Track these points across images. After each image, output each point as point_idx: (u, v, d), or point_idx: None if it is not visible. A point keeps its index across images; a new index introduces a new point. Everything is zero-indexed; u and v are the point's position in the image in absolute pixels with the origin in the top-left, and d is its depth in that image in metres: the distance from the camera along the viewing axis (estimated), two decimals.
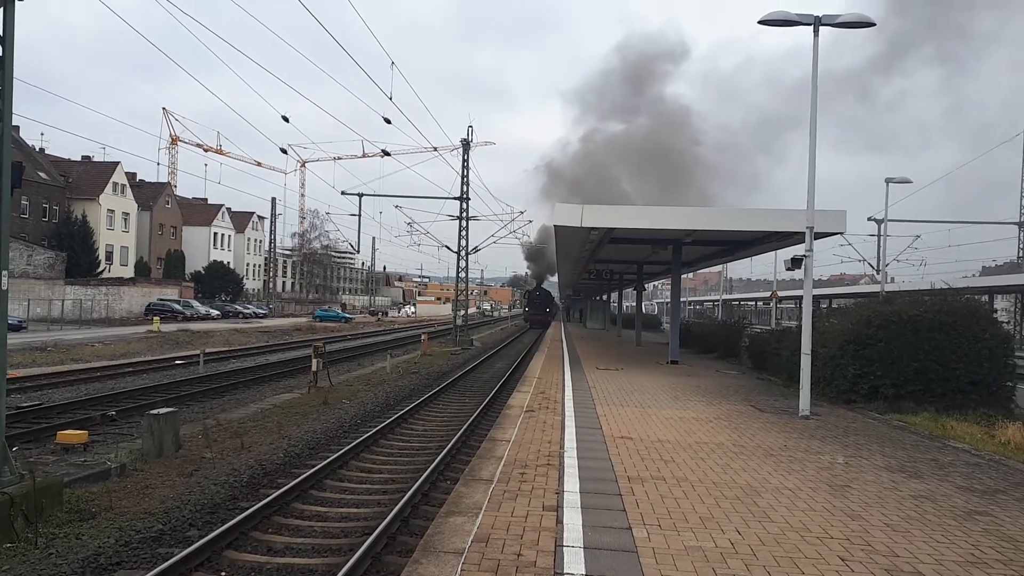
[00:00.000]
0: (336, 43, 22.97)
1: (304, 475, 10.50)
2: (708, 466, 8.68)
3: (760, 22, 13.53)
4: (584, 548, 5.64)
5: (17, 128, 63.92)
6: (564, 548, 5.63)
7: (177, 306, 60.21)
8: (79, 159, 73.36)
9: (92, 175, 69.38)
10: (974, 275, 69.28)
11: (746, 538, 6.03)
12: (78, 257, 60.26)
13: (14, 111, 8.41)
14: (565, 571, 5.16)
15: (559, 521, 6.31)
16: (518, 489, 7.37)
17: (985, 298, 38.56)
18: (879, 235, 38.85)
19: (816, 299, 14.65)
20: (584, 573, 5.13)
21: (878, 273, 40.97)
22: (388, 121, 35.60)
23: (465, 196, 42.83)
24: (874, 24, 13.25)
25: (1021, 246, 53.36)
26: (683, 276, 33.82)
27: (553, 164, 75.08)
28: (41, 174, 62.70)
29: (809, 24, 13.44)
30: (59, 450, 11.56)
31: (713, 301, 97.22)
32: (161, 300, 61.16)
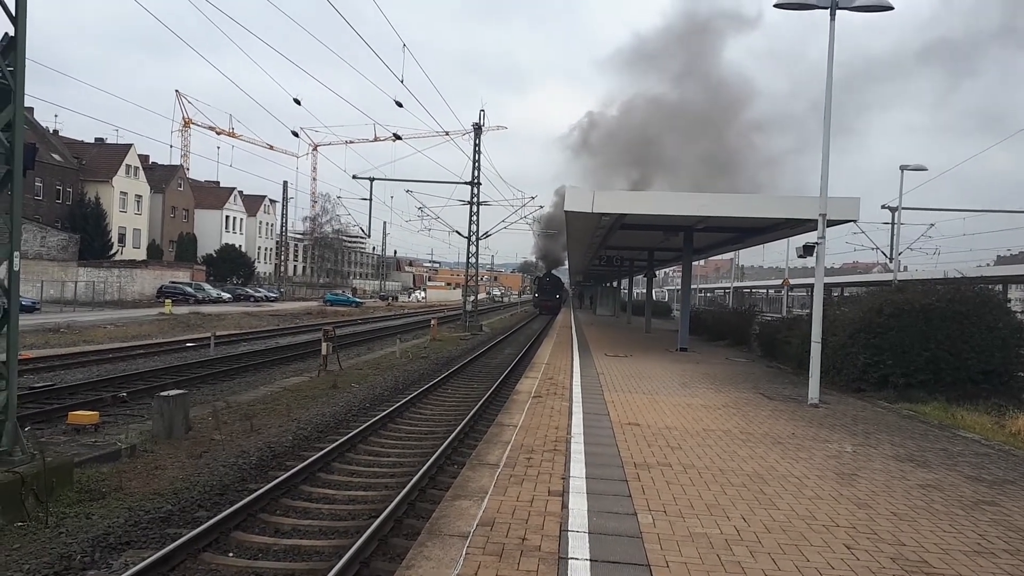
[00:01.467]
0: (348, 25, 22.88)
1: (313, 457, 10.56)
2: (715, 453, 8.67)
3: (776, 6, 13.37)
4: (589, 533, 5.64)
5: (31, 110, 64.17)
6: (569, 533, 5.64)
7: (189, 289, 60.58)
8: (92, 141, 73.70)
9: (105, 157, 69.70)
10: (989, 264, 68.73)
11: (751, 525, 6.02)
12: (91, 239, 60.66)
13: (27, 92, 8.43)
14: (570, 556, 5.17)
15: (564, 506, 6.32)
16: (524, 474, 7.38)
17: (999, 288, 38.29)
18: (893, 223, 38.53)
19: (828, 287, 14.56)
20: (589, 558, 5.14)
21: (891, 262, 40.69)
22: (400, 104, 35.42)
23: (476, 181, 42.74)
24: (892, 8, 13.05)
25: None
26: (694, 263, 33.69)
27: (593, 116, 74.43)
28: (55, 156, 63.03)
29: (826, 8, 13.26)
30: (70, 430, 11.68)
31: (724, 288, 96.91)
32: (173, 283, 61.55)
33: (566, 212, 20.23)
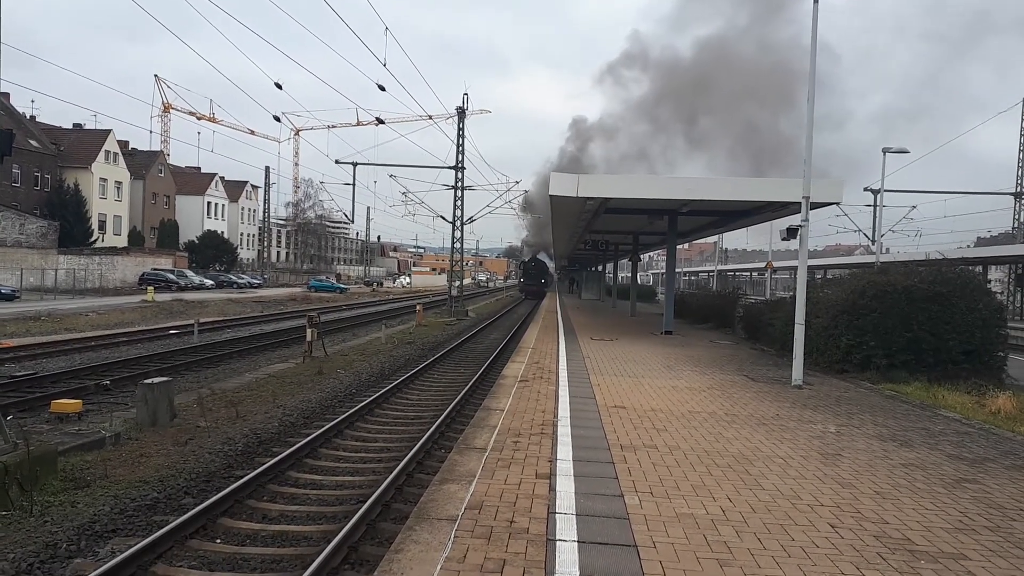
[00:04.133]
0: (330, 7, 22.64)
1: (299, 444, 10.54)
2: (700, 435, 8.73)
3: None
4: (576, 515, 5.68)
5: (7, 95, 63.19)
6: (556, 515, 5.67)
7: (171, 276, 60.07)
8: (70, 127, 72.69)
9: (84, 143, 68.77)
10: (969, 246, 69.41)
11: (737, 505, 6.07)
12: (71, 226, 59.97)
13: (2, 77, 8.29)
14: (558, 537, 5.20)
15: (552, 489, 6.34)
16: (511, 457, 7.41)
17: (979, 269, 38.72)
18: (875, 205, 38.83)
19: (811, 269, 14.65)
20: (576, 539, 5.17)
21: (873, 243, 41.02)
22: (383, 88, 35.19)
23: (460, 165, 42.58)
24: None
25: (1016, 217, 53.43)
26: (678, 247, 33.76)
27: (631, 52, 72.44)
28: (32, 142, 62.11)
29: None
30: (53, 419, 11.59)
31: (708, 271, 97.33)
32: (155, 270, 61.02)
33: (551, 196, 20.22)
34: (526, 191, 67.56)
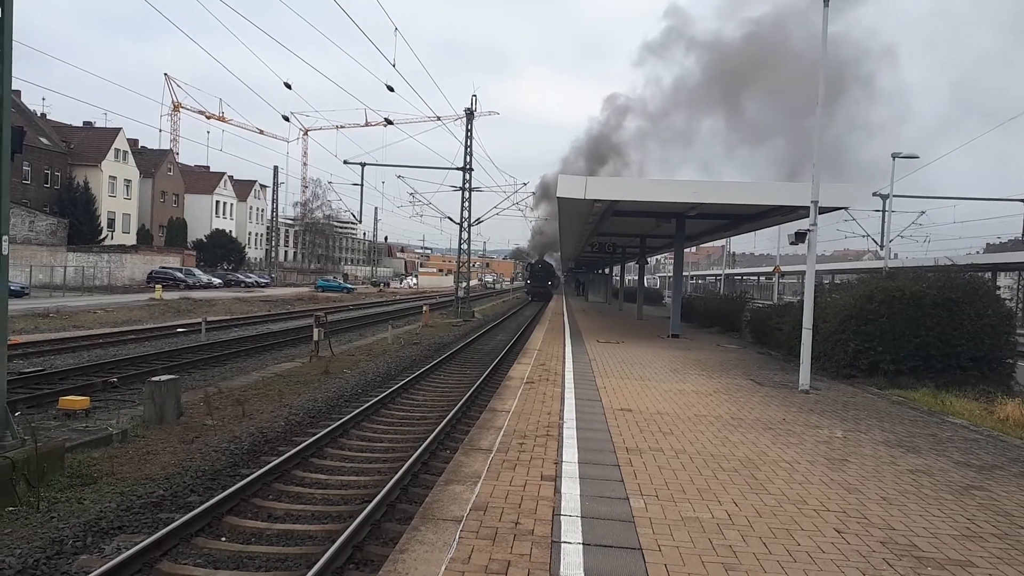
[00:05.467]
0: (339, 8, 22.67)
1: (305, 443, 10.56)
2: (706, 438, 8.71)
3: None
4: (581, 517, 5.67)
5: (18, 93, 63.51)
6: (561, 517, 5.66)
7: (179, 274, 60.31)
8: (80, 125, 73.07)
9: (94, 141, 69.12)
10: (978, 252, 69.10)
11: (743, 509, 6.06)
12: (80, 224, 60.29)
13: (14, 74, 8.33)
14: (562, 540, 5.19)
15: (557, 491, 6.34)
16: (517, 459, 7.40)
17: (988, 275, 38.52)
18: (884, 210, 38.70)
19: (819, 274, 14.63)
20: (581, 542, 5.16)
21: (881, 249, 40.87)
22: (391, 89, 35.23)
23: (468, 167, 42.63)
24: None
25: None
26: (686, 250, 33.72)
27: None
28: (43, 140, 62.47)
29: None
30: (61, 416, 11.63)
31: (715, 275, 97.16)
32: (163, 268, 61.27)
33: (559, 199, 20.21)
34: (533, 193, 67.47)
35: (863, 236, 47.21)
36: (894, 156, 34.86)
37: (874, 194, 38.85)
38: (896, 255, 55.50)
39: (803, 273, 14.82)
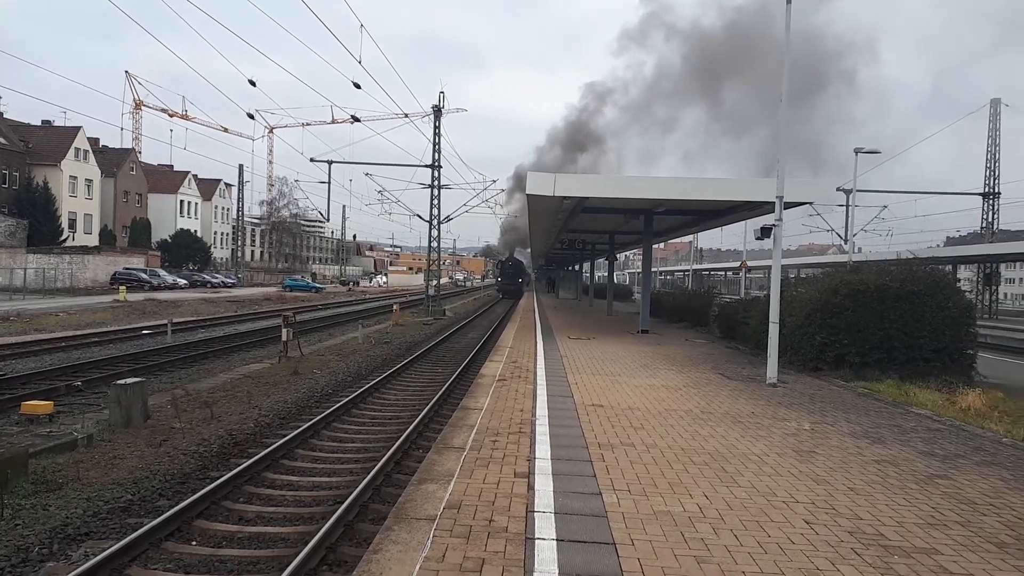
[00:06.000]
0: (304, 4, 22.45)
1: (275, 444, 10.47)
2: (677, 433, 8.79)
3: None
4: (555, 513, 5.70)
5: None
6: (535, 514, 5.68)
7: (144, 275, 59.29)
8: (39, 124, 71.46)
9: (53, 140, 67.60)
10: (939, 245, 70.52)
11: (714, 502, 6.13)
12: (40, 225, 58.98)
13: None
14: (536, 536, 5.21)
15: (530, 487, 6.36)
16: (490, 456, 7.41)
17: (949, 268, 39.34)
18: (847, 205, 39.34)
19: (784, 268, 14.76)
20: (555, 538, 5.19)
21: (846, 243, 41.54)
22: (358, 86, 35.03)
23: (437, 164, 42.46)
24: None
25: (985, 217, 54.38)
26: (654, 246, 33.95)
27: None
28: (0, 139, 60.98)
29: None
30: (24, 421, 11.39)
31: (683, 271, 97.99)
32: (127, 269, 60.19)
33: (528, 195, 20.23)
34: (502, 190, 67.44)
35: (828, 231, 48.00)
36: (856, 151, 35.46)
37: (838, 189, 39.45)
38: (860, 249, 56.44)
39: (769, 268, 15.02)
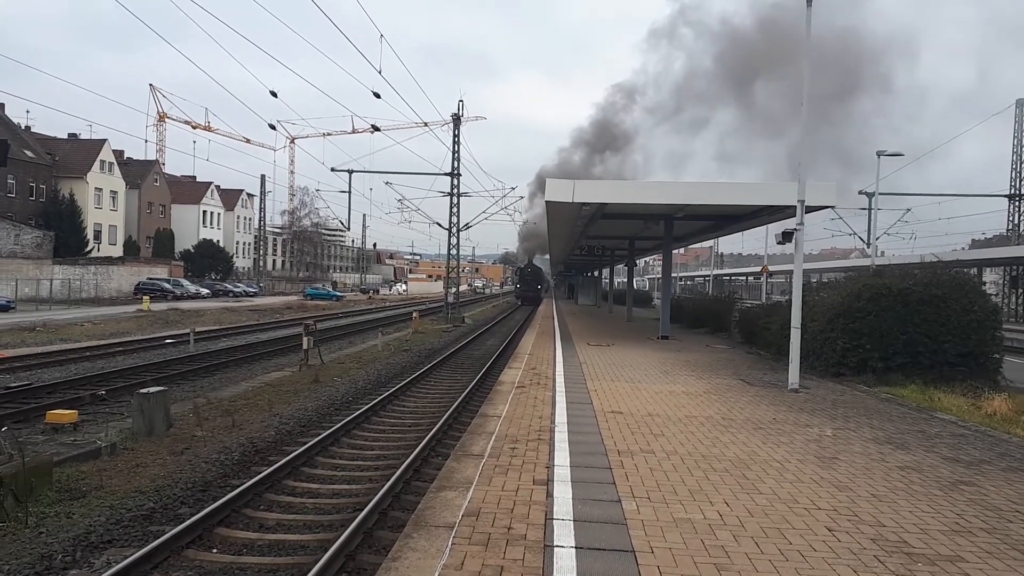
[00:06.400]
0: (324, 15, 22.66)
1: (295, 452, 10.52)
2: (697, 439, 8.73)
3: None
4: (574, 521, 5.67)
5: (2, 106, 63.23)
6: (554, 521, 5.66)
7: (167, 285, 59.96)
8: (65, 137, 72.66)
9: (79, 153, 68.74)
10: (964, 248, 69.61)
11: (734, 510, 6.07)
12: (66, 236, 59.88)
13: None
14: (555, 544, 5.19)
15: (549, 495, 6.34)
16: (509, 464, 7.39)
17: (974, 271, 38.82)
18: (870, 208, 38.95)
19: (806, 273, 14.69)
20: (574, 545, 5.16)
21: (868, 247, 41.11)
22: (378, 96, 35.22)
23: (456, 172, 42.59)
24: None
25: (1010, 219, 53.61)
26: (674, 251, 33.82)
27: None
28: (27, 152, 62.07)
29: None
30: (49, 430, 11.55)
31: (704, 276, 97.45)
32: (151, 279, 60.92)
33: (547, 202, 20.23)
34: (521, 197, 67.45)
35: (850, 234, 47.51)
36: (879, 154, 35.10)
37: (860, 192, 39.06)
38: (883, 253, 55.84)
39: (791, 272, 14.89)
